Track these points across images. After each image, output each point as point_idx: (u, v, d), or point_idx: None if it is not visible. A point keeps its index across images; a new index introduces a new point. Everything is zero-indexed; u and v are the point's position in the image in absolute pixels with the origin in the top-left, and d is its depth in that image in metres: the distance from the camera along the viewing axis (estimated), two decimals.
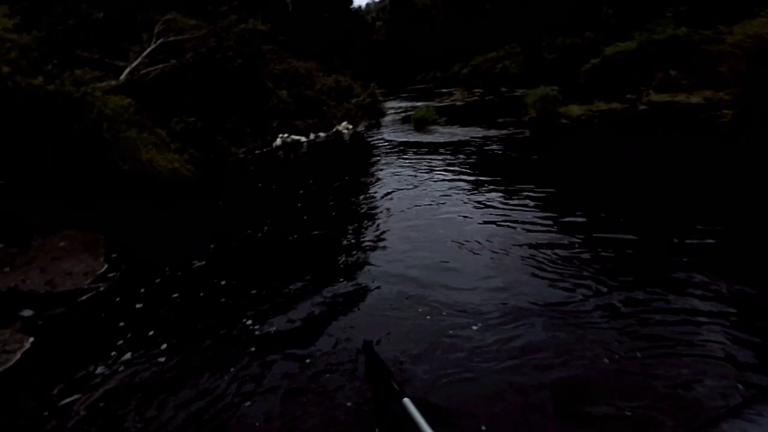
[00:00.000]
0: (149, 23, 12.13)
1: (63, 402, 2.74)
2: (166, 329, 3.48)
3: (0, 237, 4.91)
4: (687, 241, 4.28)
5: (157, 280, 4.33)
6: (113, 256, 4.79)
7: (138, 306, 3.86)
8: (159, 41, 11.35)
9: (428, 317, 3.40)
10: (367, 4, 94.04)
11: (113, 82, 8.70)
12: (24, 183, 5.37)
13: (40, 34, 6.97)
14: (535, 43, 30.00)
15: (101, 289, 4.07)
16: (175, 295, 4.03)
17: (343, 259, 4.69)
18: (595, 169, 7.27)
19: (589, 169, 7.30)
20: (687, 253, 4.05)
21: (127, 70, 9.82)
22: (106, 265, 4.58)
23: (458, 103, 21.49)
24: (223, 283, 4.27)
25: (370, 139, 13.14)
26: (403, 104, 23.99)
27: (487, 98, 22.70)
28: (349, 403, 2.58)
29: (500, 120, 12.71)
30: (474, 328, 3.20)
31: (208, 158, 9.45)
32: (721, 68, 10.18)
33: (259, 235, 5.57)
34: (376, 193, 7.00)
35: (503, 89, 25.31)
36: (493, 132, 11.45)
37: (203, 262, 4.76)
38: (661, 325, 3.09)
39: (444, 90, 31.42)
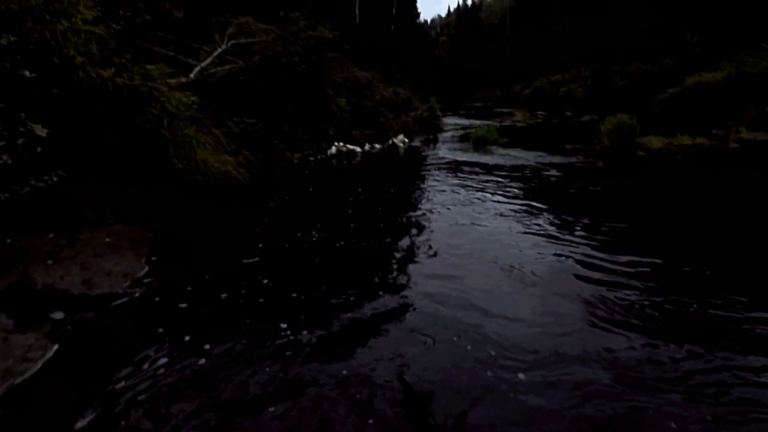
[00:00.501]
0: (223, 25, 12.35)
1: (80, 424, 2.43)
2: (202, 334, 3.24)
3: (52, 227, 4.83)
4: None
5: (199, 282, 4.08)
6: (153, 258, 4.55)
7: (175, 309, 3.60)
8: (230, 43, 11.49)
9: (469, 348, 3.04)
10: (432, 20, 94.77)
11: (183, 79, 8.77)
12: (81, 174, 5.31)
13: (117, 27, 7.06)
14: (606, 68, 28.53)
15: (136, 295, 3.81)
16: (215, 298, 3.79)
17: (386, 272, 4.40)
18: (676, 209, 6.39)
19: (669, 209, 6.43)
20: None
21: (197, 69, 9.93)
22: (146, 268, 4.33)
23: (519, 125, 20.61)
24: (265, 282, 4.09)
25: (425, 155, 12.65)
26: (462, 121, 23.41)
27: (550, 122, 21.66)
28: (378, 424, 2.43)
29: (568, 146, 11.83)
30: (521, 376, 2.76)
31: (263, 161, 9.32)
32: None
33: (307, 239, 5.32)
34: (425, 209, 6.54)
35: (568, 113, 24.12)
36: (558, 159, 10.63)
37: (250, 261, 4.61)
38: (737, 388, 2.63)
39: (504, 110, 30.52)
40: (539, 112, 24.92)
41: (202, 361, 2.93)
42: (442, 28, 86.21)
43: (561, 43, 41.95)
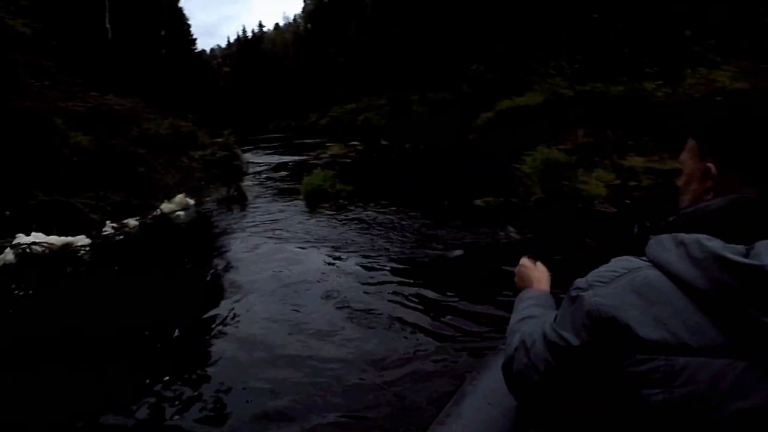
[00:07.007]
0: None
1: None
2: None
3: None
4: None
5: None
6: None
7: None
8: None
9: None
10: (212, 50, 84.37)
11: None
12: None
13: None
14: (404, 96, 26.70)
15: None
16: None
17: None
18: None
19: None
20: None
21: None
22: None
23: (342, 159, 15.57)
24: None
25: (227, 238, 6.17)
26: (268, 159, 17.22)
27: (376, 153, 17.42)
28: None
29: (478, 202, 6.95)
30: None
31: None
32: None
33: None
34: None
35: (384, 142, 20.51)
36: (483, 233, 5.66)
37: None
38: None
39: (308, 140, 25.38)
40: (353, 142, 20.65)
41: None
42: (224, 58, 77.36)
43: (350, 75, 40.06)
